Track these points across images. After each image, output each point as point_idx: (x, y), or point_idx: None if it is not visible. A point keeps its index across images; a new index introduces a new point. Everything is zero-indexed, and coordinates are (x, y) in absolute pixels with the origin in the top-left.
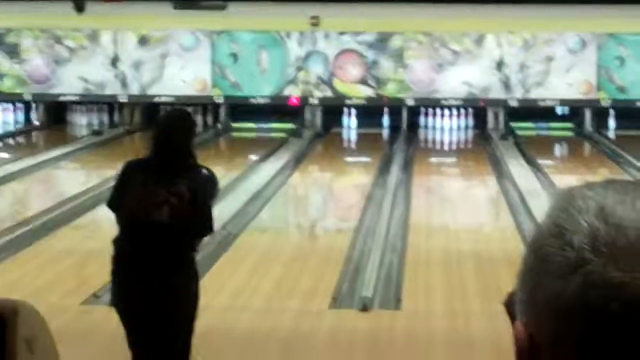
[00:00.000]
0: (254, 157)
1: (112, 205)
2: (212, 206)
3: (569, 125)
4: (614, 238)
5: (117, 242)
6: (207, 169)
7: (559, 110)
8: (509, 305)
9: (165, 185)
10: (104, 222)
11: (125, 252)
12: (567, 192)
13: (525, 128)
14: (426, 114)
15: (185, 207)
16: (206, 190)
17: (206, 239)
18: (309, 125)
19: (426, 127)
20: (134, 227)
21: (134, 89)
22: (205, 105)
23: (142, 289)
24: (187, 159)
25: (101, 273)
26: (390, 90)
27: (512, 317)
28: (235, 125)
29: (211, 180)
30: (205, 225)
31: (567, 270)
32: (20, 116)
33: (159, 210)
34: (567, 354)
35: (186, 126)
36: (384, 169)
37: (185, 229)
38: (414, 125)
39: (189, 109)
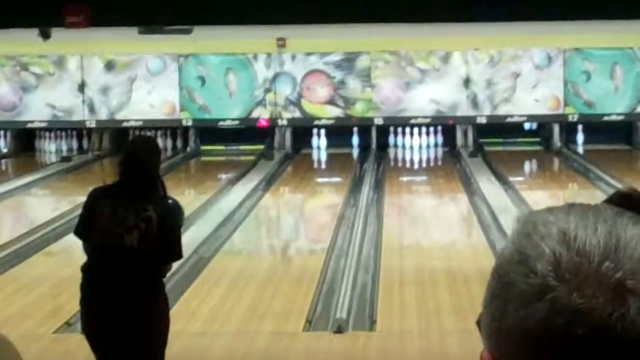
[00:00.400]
0: (224, 180)
1: (79, 232)
2: (180, 233)
3: (537, 139)
4: (577, 264)
5: (86, 270)
6: (173, 199)
7: (527, 125)
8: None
9: (135, 210)
10: (77, 249)
11: (95, 279)
12: (529, 218)
13: (494, 144)
14: (395, 133)
15: (154, 232)
16: (174, 216)
17: (175, 265)
18: (278, 146)
19: (396, 145)
20: (103, 253)
21: (102, 114)
22: (174, 128)
23: (111, 315)
24: (155, 185)
25: (74, 300)
26: (358, 109)
27: None
28: (204, 148)
29: (178, 209)
30: (174, 251)
31: (532, 298)
32: None
33: (129, 235)
34: None
35: (153, 152)
36: (354, 188)
37: (154, 254)
38: (383, 145)
39: (157, 133)
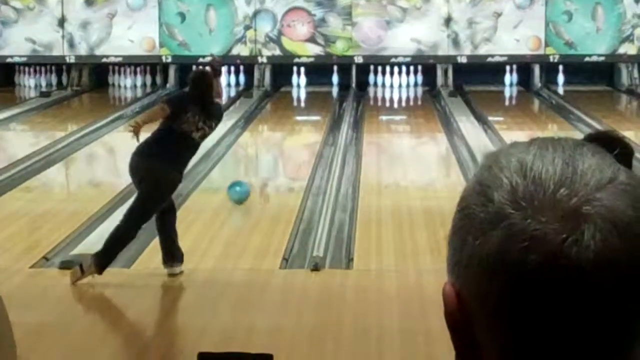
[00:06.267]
0: None
1: (171, 105)
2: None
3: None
4: (532, 192)
5: (160, 141)
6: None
7: (507, 79)
8: None
9: (204, 120)
10: (54, 185)
11: (165, 150)
12: (493, 152)
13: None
14: (375, 72)
15: (209, 133)
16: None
17: None
18: (258, 84)
19: (375, 84)
20: (177, 137)
21: (82, 50)
22: (154, 65)
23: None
24: (212, 102)
25: (52, 235)
26: (338, 48)
27: None
28: (184, 85)
29: (221, 110)
30: None
31: (489, 226)
32: None
33: (197, 132)
34: (492, 310)
35: (206, 83)
36: (333, 127)
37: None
38: (363, 83)
39: (137, 69)
